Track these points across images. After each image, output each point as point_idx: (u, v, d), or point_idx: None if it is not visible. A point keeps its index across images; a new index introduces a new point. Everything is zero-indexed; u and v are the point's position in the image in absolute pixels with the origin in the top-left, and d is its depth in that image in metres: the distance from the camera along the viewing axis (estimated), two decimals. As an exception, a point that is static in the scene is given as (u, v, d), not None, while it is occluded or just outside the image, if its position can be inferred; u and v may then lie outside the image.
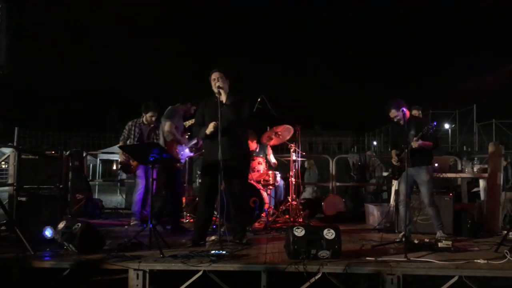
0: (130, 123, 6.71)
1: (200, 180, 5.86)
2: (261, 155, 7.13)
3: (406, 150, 4.97)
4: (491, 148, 6.45)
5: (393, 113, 5.29)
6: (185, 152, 5.96)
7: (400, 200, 5.32)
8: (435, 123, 5.30)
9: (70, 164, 7.57)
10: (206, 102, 5.07)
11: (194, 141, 6.12)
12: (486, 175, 6.41)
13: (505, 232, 5.11)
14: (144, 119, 6.65)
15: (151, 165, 4.82)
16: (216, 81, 4.90)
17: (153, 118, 6.54)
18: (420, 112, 6.55)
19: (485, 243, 5.07)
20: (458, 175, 6.86)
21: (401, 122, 5.18)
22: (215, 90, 4.86)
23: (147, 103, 6.61)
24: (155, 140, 6.57)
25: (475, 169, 6.67)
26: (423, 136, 5.10)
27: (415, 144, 5.12)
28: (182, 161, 5.94)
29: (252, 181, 6.33)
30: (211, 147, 4.86)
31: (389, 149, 5.62)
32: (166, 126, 5.92)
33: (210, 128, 4.79)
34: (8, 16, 4.49)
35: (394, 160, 5.45)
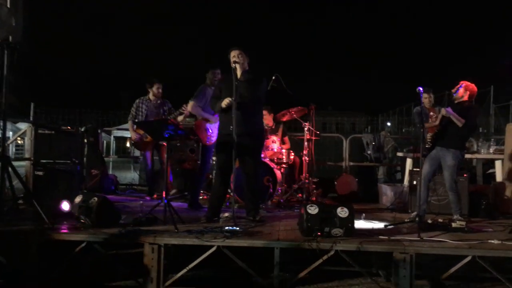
0: (137, 100, 6.81)
1: (214, 157, 5.88)
2: (276, 133, 7.12)
3: (422, 130, 4.90)
4: (508, 129, 6.36)
5: (461, 91, 5.21)
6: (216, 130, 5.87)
7: (420, 179, 5.25)
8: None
9: (86, 140, 7.64)
10: (225, 77, 5.04)
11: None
12: (502, 156, 6.34)
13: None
14: (150, 95, 6.72)
15: (166, 141, 4.85)
16: (235, 57, 4.88)
17: (160, 90, 6.65)
18: (431, 95, 6.35)
19: (500, 225, 5.05)
20: (474, 156, 6.79)
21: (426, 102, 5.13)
22: (233, 66, 4.82)
23: (150, 78, 6.70)
24: (164, 116, 6.62)
25: (491, 150, 6.60)
26: (457, 107, 5.00)
27: (444, 111, 5.03)
28: (213, 139, 5.76)
29: (266, 160, 6.34)
30: (225, 123, 4.87)
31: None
32: (189, 106, 5.94)
33: (225, 102, 4.78)
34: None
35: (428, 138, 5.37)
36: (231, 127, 4.62)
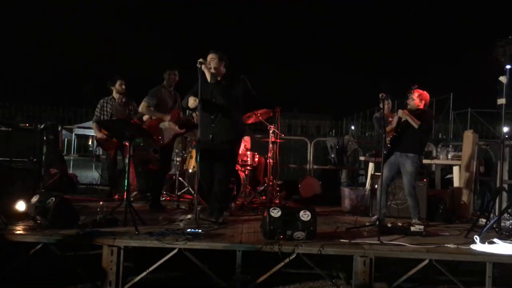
0: (101, 100, 6.65)
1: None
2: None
3: (384, 136, 5.00)
4: (465, 136, 6.58)
5: (412, 96, 5.32)
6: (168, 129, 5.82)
7: (379, 184, 5.35)
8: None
9: (45, 137, 7.41)
10: (202, 78, 4.91)
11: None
12: (460, 162, 6.55)
13: (476, 218, 5.25)
14: (114, 93, 6.59)
15: (129, 141, 4.76)
16: (210, 61, 4.89)
17: (123, 86, 6.53)
18: (389, 101, 6.43)
19: (456, 229, 5.20)
20: (432, 161, 6.98)
21: (386, 108, 5.22)
22: (198, 66, 4.79)
23: (112, 77, 6.59)
24: (130, 115, 6.51)
25: (449, 156, 6.80)
26: (411, 114, 5.11)
27: (400, 112, 5.15)
28: (166, 140, 5.77)
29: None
30: (201, 126, 4.84)
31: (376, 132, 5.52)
32: (141, 106, 5.89)
33: (191, 101, 4.86)
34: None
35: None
36: (210, 136, 4.83)
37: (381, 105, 5.02)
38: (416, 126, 5.13)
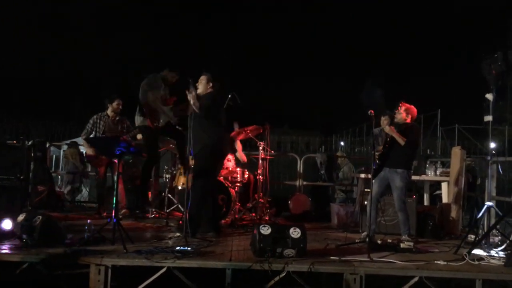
0: (94, 116, 6.59)
1: None
2: (230, 152, 7.09)
3: (373, 152, 5.03)
4: (453, 152, 6.63)
5: (400, 110, 5.35)
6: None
7: (368, 200, 5.35)
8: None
9: (32, 154, 7.33)
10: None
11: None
12: (448, 178, 6.59)
13: (465, 234, 5.27)
14: (109, 111, 6.53)
15: (117, 158, 4.73)
16: (199, 82, 5.33)
17: (120, 106, 6.50)
18: (387, 117, 6.52)
19: (446, 245, 5.22)
20: (421, 177, 7.01)
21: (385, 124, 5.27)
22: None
23: (110, 94, 6.58)
24: (123, 133, 6.47)
25: (438, 172, 6.84)
26: (398, 128, 5.16)
27: (387, 128, 5.19)
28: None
29: (220, 178, 6.29)
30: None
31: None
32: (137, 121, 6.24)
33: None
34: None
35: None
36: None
37: (373, 122, 5.07)
38: (402, 142, 5.17)
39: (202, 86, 5.33)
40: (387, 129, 5.23)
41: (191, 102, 5.02)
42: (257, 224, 4.33)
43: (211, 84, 5.37)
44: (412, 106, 5.42)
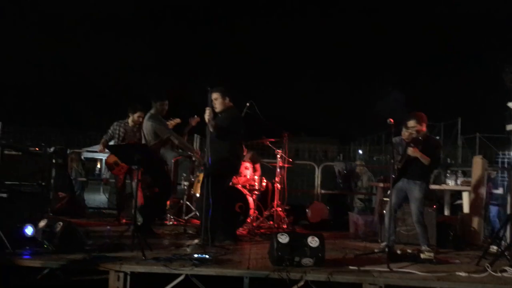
0: (115, 123, 6.66)
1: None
2: (248, 160, 7.10)
3: (393, 162, 4.96)
4: (475, 161, 6.53)
5: (411, 123, 5.21)
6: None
7: (386, 211, 5.28)
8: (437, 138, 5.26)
9: (54, 161, 7.46)
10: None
11: None
12: (469, 188, 6.48)
13: (486, 245, 5.17)
14: (130, 120, 6.59)
15: (136, 165, 4.78)
16: (214, 101, 5.23)
17: (141, 119, 6.48)
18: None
19: (467, 256, 5.12)
20: (441, 187, 6.91)
21: (406, 135, 5.17)
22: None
23: (134, 104, 6.57)
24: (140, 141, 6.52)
25: (458, 182, 6.74)
26: (420, 145, 5.02)
27: (410, 150, 5.02)
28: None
29: (238, 186, 6.31)
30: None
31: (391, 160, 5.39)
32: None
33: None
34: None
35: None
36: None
37: (392, 130, 4.99)
38: (426, 163, 5.04)
39: (219, 103, 5.24)
40: (410, 151, 5.05)
41: (206, 119, 4.94)
42: (275, 232, 4.31)
43: (227, 99, 5.29)
44: (419, 113, 5.31)
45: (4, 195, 5.29)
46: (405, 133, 5.69)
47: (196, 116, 6.25)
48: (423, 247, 5.06)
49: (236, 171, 5.70)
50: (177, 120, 6.44)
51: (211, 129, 4.97)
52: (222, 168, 5.14)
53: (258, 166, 7.29)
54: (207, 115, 4.91)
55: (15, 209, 5.22)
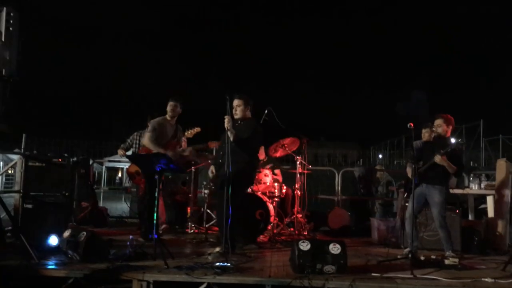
0: (135, 133, 6.76)
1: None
2: (268, 167, 7.10)
3: (414, 166, 4.89)
4: (498, 164, 6.40)
5: (438, 122, 5.19)
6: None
7: (406, 217, 5.22)
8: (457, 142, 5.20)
9: (76, 171, 7.59)
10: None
11: None
12: (493, 191, 6.36)
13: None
14: None
15: (158, 175, 4.82)
16: (236, 107, 5.23)
17: None
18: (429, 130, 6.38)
19: (493, 261, 5.02)
20: (465, 191, 6.79)
21: (432, 136, 5.11)
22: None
23: (153, 115, 6.62)
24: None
25: (482, 185, 6.62)
26: (448, 154, 4.95)
27: (438, 158, 4.96)
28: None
29: (258, 193, 6.31)
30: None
31: (406, 162, 5.38)
32: (146, 139, 5.98)
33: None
34: (20, 25, 4.55)
35: (409, 173, 5.31)
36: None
37: (412, 134, 4.93)
38: (452, 172, 5.01)
39: (240, 111, 5.24)
40: (438, 159, 4.98)
41: (226, 127, 4.94)
42: (296, 239, 4.30)
43: (249, 109, 5.31)
44: (449, 115, 5.26)
45: (30, 205, 5.42)
46: (425, 135, 5.63)
47: (196, 128, 6.29)
48: (447, 253, 4.98)
49: (252, 181, 5.70)
50: (197, 129, 6.46)
51: (231, 138, 4.99)
52: (239, 178, 5.13)
53: (278, 171, 7.28)
54: (226, 123, 4.93)
55: (40, 219, 5.34)
